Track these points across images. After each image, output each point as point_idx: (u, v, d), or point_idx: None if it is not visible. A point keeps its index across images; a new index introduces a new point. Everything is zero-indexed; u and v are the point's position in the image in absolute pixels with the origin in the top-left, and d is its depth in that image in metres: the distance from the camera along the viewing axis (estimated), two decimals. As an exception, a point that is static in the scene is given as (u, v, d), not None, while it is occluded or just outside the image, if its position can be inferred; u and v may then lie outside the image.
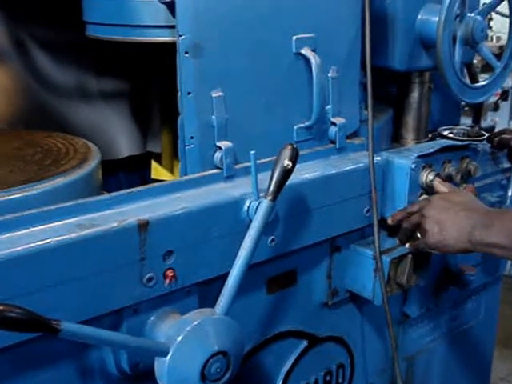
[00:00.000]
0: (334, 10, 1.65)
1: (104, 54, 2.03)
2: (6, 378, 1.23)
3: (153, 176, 2.21)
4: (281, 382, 1.74)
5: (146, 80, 2.15)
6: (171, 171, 2.17)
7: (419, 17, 1.83)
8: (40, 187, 1.39)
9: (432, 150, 1.80)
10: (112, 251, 1.27)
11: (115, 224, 1.28)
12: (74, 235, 1.23)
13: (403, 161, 1.76)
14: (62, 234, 1.23)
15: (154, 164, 2.22)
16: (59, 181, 1.43)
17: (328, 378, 1.88)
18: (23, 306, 1.04)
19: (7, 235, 1.21)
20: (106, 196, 1.37)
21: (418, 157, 1.77)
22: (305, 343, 1.78)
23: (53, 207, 1.28)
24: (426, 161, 1.79)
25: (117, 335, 1.24)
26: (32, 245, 1.18)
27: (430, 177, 1.77)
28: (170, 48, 1.47)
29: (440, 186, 1.75)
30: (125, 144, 2.16)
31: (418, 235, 1.72)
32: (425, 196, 1.79)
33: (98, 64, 2.09)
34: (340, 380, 1.92)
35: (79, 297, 1.24)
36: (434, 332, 2.22)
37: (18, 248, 1.17)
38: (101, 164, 1.61)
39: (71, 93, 2.08)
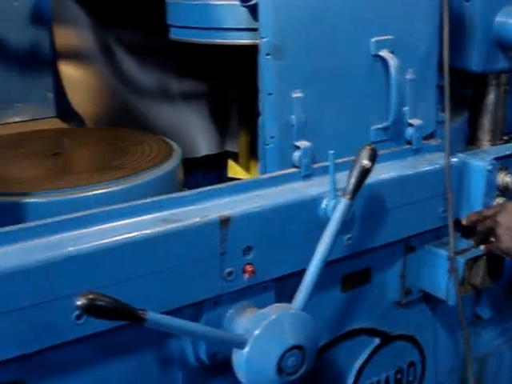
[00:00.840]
0: (412, 13, 1.62)
1: (185, 57, 2.05)
2: (93, 363, 1.26)
3: (229, 174, 2.22)
4: (353, 378, 1.72)
5: (225, 82, 2.16)
6: (247, 170, 2.17)
7: (497, 19, 1.78)
8: (126, 183, 1.42)
9: (509, 152, 1.75)
10: (194, 245, 1.28)
11: (198, 219, 1.28)
12: (158, 229, 1.24)
13: (480, 162, 1.72)
14: (147, 228, 1.24)
15: (230, 163, 2.22)
16: (144, 177, 1.45)
17: (399, 377, 1.85)
18: (111, 295, 1.06)
19: (96, 228, 1.24)
20: (188, 192, 1.38)
21: (495, 159, 1.73)
22: (377, 341, 1.75)
23: (138, 202, 1.30)
24: (503, 163, 1.75)
25: (197, 326, 1.25)
26: (119, 238, 1.21)
27: (507, 179, 1.72)
28: (250, 50, 1.47)
29: None
30: (203, 143, 2.18)
31: (492, 239, 1.67)
32: (501, 198, 1.74)
33: (180, 66, 2.11)
34: (411, 378, 1.89)
35: (162, 288, 1.26)
36: (505, 334, 2.16)
37: (106, 240, 1.19)
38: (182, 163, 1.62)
39: (154, 94, 2.10)
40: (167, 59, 2.08)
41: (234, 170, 2.23)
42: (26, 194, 1.34)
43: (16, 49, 2.04)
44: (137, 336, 1.28)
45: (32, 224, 1.20)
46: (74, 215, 1.23)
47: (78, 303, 1.01)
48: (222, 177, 2.25)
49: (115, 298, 1.06)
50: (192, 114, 2.16)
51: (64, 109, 2.08)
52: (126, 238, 1.21)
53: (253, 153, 1.60)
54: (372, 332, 1.73)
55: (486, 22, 1.78)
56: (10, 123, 2.09)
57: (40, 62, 2.08)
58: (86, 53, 2.00)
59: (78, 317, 1.15)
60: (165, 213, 1.31)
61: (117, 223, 1.26)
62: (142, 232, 1.22)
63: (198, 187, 1.40)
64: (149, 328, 1.11)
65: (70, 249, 1.15)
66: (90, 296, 1.02)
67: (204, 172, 2.26)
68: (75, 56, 2.00)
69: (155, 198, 1.32)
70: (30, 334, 1.12)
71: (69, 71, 2.01)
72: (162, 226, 1.25)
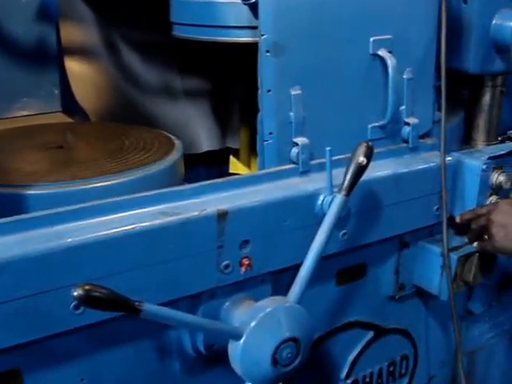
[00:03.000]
0: (410, 13, 1.59)
1: (188, 54, 2.02)
2: (90, 353, 1.23)
3: (230, 170, 2.20)
4: (347, 369, 1.71)
5: (227, 79, 2.14)
6: (248, 166, 2.14)
7: (494, 21, 1.75)
8: (128, 176, 1.39)
9: (503, 152, 1.73)
10: (192, 238, 1.25)
11: (196, 213, 1.26)
12: (157, 222, 1.22)
13: (474, 161, 1.70)
14: (147, 220, 1.22)
15: (232, 159, 2.20)
16: (145, 171, 1.43)
17: (392, 369, 1.83)
18: (108, 286, 1.03)
19: (97, 219, 1.21)
20: (188, 186, 1.35)
21: (489, 158, 1.70)
22: (371, 334, 1.73)
23: (138, 195, 1.27)
24: (497, 162, 1.72)
25: (194, 318, 1.23)
26: (118, 229, 1.18)
27: (501, 178, 1.70)
28: (251, 48, 1.44)
29: None
30: (205, 139, 2.16)
31: (486, 237, 1.65)
32: (494, 197, 1.71)
33: (183, 63, 2.09)
34: (403, 371, 1.87)
35: (160, 280, 1.23)
36: (495, 329, 2.14)
37: (105, 232, 1.17)
38: (183, 157, 1.59)
39: (157, 90, 2.08)
40: (170, 56, 2.06)
41: (235, 165, 2.21)
42: (28, 185, 1.31)
43: (23, 45, 2.03)
44: (135, 326, 1.26)
45: (32, 215, 1.17)
46: (74, 207, 1.20)
47: (75, 294, 0.98)
48: (223, 173, 2.22)
49: (112, 289, 1.03)
50: (194, 111, 2.14)
51: (69, 104, 2.07)
52: (125, 230, 1.18)
53: (254, 149, 1.58)
54: (366, 325, 1.71)
55: (483, 24, 1.75)
56: (17, 117, 2.08)
57: (46, 58, 2.07)
58: (91, 49, 1.98)
59: (76, 307, 1.12)
60: (164, 206, 1.28)
61: (116, 215, 1.23)
62: (141, 224, 1.20)
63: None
64: (145, 319, 1.09)
65: (69, 240, 1.13)
66: (87, 287, 0.99)
67: (205, 168, 2.24)
68: (81, 52, 1.98)
69: (154, 192, 1.29)
70: (28, 323, 1.10)
71: (74, 67, 1.98)
72: (160, 218, 1.23)
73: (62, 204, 1.21)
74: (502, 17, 1.74)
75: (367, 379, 1.77)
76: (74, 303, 1.11)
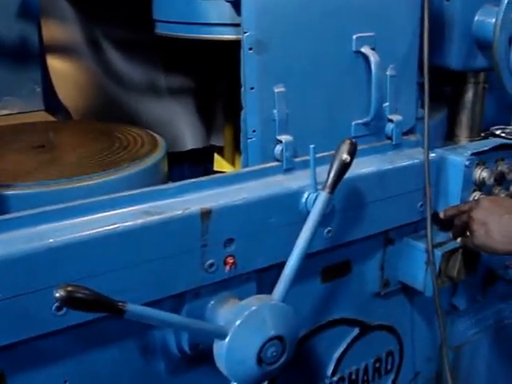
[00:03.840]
0: (393, 10, 1.58)
1: (172, 52, 2.01)
2: (74, 354, 1.22)
3: (215, 168, 2.19)
4: (333, 366, 1.70)
5: (211, 77, 2.12)
6: (233, 164, 2.14)
7: (476, 18, 1.75)
8: (110, 175, 1.38)
9: (486, 148, 1.73)
10: (175, 237, 1.24)
11: (179, 212, 1.25)
12: (140, 221, 1.20)
13: (458, 158, 1.70)
14: (129, 219, 1.20)
15: (216, 157, 2.19)
16: (127, 170, 1.41)
17: (377, 365, 1.84)
18: (91, 287, 1.02)
19: (79, 219, 1.19)
20: (171, 185, 1.34)
21: (473, 154, 1.70)
22: (356, 330, 1.73)
23: (121, 194, 1.26)
24: (480, 158, 1.72)
25: (178, 317, 1.21)
26: (100, 229, 1.16)
27: (484, 174, 1.71)
28: (235, 46, 1.43)
29: None
30: (189, 137, 2.14)
31: (468, 233, 1.65)
32: (478, 192, 1.72)
33: (166, 61, 2.07)
34: (389, 367, 1.87)
35: (144, 280, 1.22)
36: (480, 324, 2.15)
37: (88, 232, 1.15)
38: (167, 156, 1.58)
39: (140, 88, 2.07)
40: (154, 54, 2.04)
41: (220, 164, 2.20)
42: (9, 185, 1.29)
43: (4, 43, 1.99)
44: (119, 327, 1.24)
45: (13, 215, 1.15)
46: (56, 207, 1.18)
47: (57, 295, 0.97)
48: (208, 171, 2.21)
49: (95, 290, 1.02)
50: (178, 109, 2.12)
51: (52, 102, 2.04)
52: (108, 229, 1.17)
53: (238, 147, 1.57)
54: (351, 322, 1.71)
55: (466, 20, 1.74)
56: (-2, 116, 2.05)
57: (28, 56, 2.04)
58: (73, 47, 1.95)
59: (59, 308, 1.11)
60: (147, 205, 1.27)
61: (99, 215, 1.21)
62: (124, 224, 1.18)
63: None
64: (130, 320, 1.07)
65: (51, 240, 1.11)
66: (69, 288, 0.98)
67: (190, 166, 2.22)
68: (63, 50, 1.96)
69: (137, 191, 1.27)
70: (10, 325, 1.08)
71: (57, 65, 1.96)
72: (143, 218, 1.21)
73: (43, 204, 1.19)
74: (484, 13, 1.74)
75: (353, 376, 1.77)
76: (56, 304, 1.10)
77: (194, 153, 2.17)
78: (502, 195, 1.72)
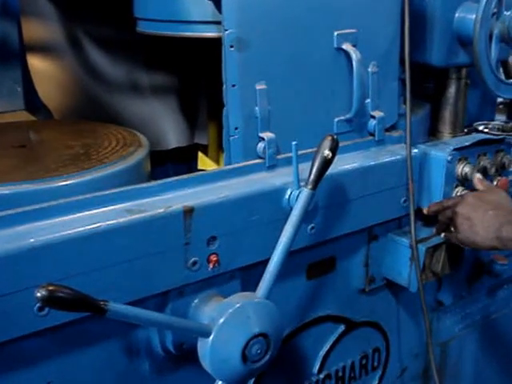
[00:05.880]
0: (374, 7, 1.59)
1: (154, 50, 2.01)
2: (57, 355, 1.22)
3: (199, 166, 2.19)
4: (319, 363, 1.71)
5: (194, 75, 2.13)
6: (217, 162, 2.14)
7: (457, 14, 1.75)
8: (92, 174, 1.38)
9: (468, 143, 1.74)
10: (158, 236, 1.24)
11: (162, 210, 1.25)
12: (122, 220, 1.20)
13: (440, 153, 1.70)
14: (111, 218, 1.20)
15: (200, 155, 2.19)
16: (110, 169, 1.41)
17: (364, 362, 1.84)
18: (73, 287, 1.02)
19: (60, 219, 1.19)
20: (154, 183, 1.34)
21: (455, 149, 1.71)
22: (342, 327, 1.73)
23: (103, 193, 1.26)
24: (462, 153, 1.73)
25: (162, 316, 1.21)
26: (82, 228, 1.16)
27: (466, 169, 1.71)
28: (217, 44, 1.43)
29: (478, 184, 1.69)
30: (173, 136, 2.14)
31: (452, 229, 1.67)
32: (460, 188, 1.73)
33: (149, 59, 2.07)
34: (376, 363, 1.88)
35: (127, 279, 1.22)
36: (466, 319, 2.16)
37: (70, 231, 1.15)
38: (150, 154, 1.58)
39: (123, 87, 2.06)
40: (136, 52, 2.04)
41: (204, 162, 2.20)
42: (-11, 185, 1.29)
43: (-16, 42, 1.99)
44: (102, 327, 1.24)
45: (-7, 215, 1.15)
46: (37, 206, 1.18)
47: (38, 295, 0.97)
48: (192, 169, 2.21)
49: (76, 289, 1.01)
50: (161, 107, 2.13)
51: (32, 102, 2.04)
52: (90, 229, 1.16)
53: (222, 145, 1.58)
54: (337, 319, 1.71)
55: (447, 17, 1.75)
56: (-22, 116, 2.04)
57: (8, 55, 2.03)
58: (54, 46, 1.95)
59: (40, 309, 1.10)
60: (129, 203, 1.27)
61: (80, 214, 1.21)
62: (106, 223, 1.18)
63: (167, 179, 1.36)
64: (112, 319, 1.07)
65: (32, 240, 1.10)
66: (50, 288, 0.97)
67: (174, 165, 2.22)
68: (43, 49, 1.95)
69: (119, 189, 1.27)
70: (-9, 326, 1.08)
71: (37, 64, 1.96)
72: (125, 216, 1.21)
73: (24, 204, 1.18)
74: (464, 10, 1.74)
75: (340, 373, 1.77)
76: (38, 305, 1.09)
77: (179, 152, 2.18)
78: (466, 191, 1.73)
